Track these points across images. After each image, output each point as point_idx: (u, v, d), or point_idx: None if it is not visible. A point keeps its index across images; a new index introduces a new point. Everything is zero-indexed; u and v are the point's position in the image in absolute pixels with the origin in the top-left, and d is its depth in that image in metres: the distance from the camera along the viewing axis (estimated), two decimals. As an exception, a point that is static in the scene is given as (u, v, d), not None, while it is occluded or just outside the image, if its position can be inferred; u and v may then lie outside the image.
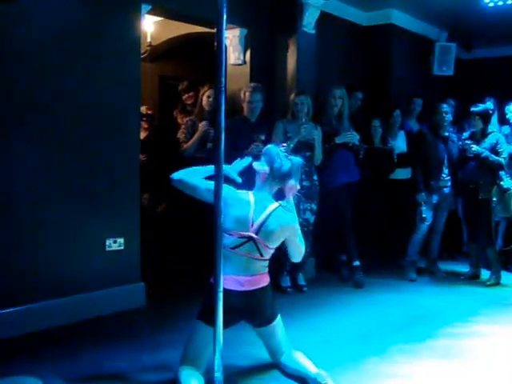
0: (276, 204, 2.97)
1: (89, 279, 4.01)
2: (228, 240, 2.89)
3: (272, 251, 2.98)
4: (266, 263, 3.00)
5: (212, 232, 2.73)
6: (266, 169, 2.99)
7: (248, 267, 2.91)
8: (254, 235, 2.89)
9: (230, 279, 2.85)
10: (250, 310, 2.92)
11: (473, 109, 5.28)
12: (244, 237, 2.89)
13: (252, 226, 2.90)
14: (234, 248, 2.89)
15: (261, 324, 3.02)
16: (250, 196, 2.97)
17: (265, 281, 2.98)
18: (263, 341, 3.09)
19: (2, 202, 3.56)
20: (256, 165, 3.02)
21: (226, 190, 2.87)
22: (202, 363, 2.86)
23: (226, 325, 2.82)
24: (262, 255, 2.92)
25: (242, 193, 2.99)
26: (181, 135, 5.14)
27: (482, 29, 6.88)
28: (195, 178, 2.95)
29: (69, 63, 3.86)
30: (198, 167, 3.02)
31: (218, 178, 2.76)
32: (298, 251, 3.09)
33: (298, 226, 3.03)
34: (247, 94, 4.85)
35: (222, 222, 2.73)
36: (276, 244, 2.98)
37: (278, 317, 3.06)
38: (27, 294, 3.65)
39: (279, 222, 2.92)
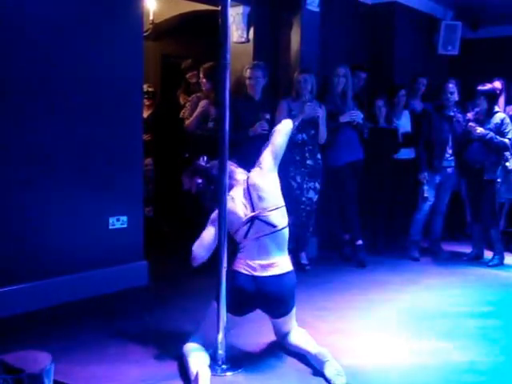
0: (246, 175, 3.01)
1: (92, 257, 4.02)
2: (238, 234, 2.92)
3: (283, 213, 2.93)
4: (285, 238, 2.94)
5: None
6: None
7: (263, 249, 2.88)
8: (253, 213, 2.89)
9: (244, 263, 2.87)
10: (263, 297, 2.86)
11: (479, 88, 5.23)
12: (246, 222, 2.89)
13: (246, 209, 2.91)
14: (245, 237, 2.90)
15: (277, 316, 2.98)
16: (230, 194, 2.94)
17: (283, 267, 2.90)
18: (273, 326, 3.08)
19: (5, 181, 3.56)
20: None
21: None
22: (211, 343, 2.87)
23: (241, 311, 2.86)
24: (274, 226, 2.89)
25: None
26: (185, 112, 5.15)
27: (489, 7, 6.78)
28: (205, 243, 2.90)
29: (71, 41, 3.82)
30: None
31: (222, 155, 2.76)
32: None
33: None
34: (248, 71, 4.83)
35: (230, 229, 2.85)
36: (276, 188, 2.96)
37: (294, 308, 3.00)
38: (31, 272, 3.66)
39: (257, 175, 2.96)
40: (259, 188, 2.92)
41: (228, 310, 2.80)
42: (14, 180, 3.59)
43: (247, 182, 2.97)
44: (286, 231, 2.96)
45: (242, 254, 2.92)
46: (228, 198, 2.87)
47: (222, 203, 2.77)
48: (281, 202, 2.97)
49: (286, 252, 2.98)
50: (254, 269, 2.85)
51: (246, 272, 2.86)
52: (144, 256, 4.39)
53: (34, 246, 3.71)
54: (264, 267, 2.86)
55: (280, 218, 2.93)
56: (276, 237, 2.91)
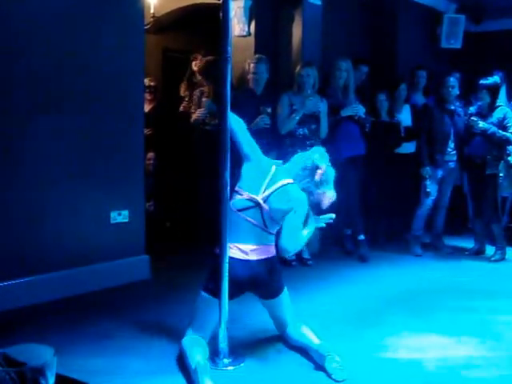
0: (291, 181, 2.93)
1: (94, 252, 4.02)
2: (237, 200, 2.91)
3: (276, 226, 2.94)
4: (272, 237, 2.97)
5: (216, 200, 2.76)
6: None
7: (253, 235, 2.89)
8: (261, 201, 2.88)
9: (233, 247, 2.86)
10: (255, 280, 2.89)
11: (482, 82, 5.21)
12: (252, 201, 2.88)
13: (263, 192, 2.89)
14: (240, 210, 2.89)
15: (267, 296, 3.01)
16: (272, 166, 2.97)
17: (270, 252, 2.96)
18: (269, 312, 3.10)
19: (8, 176, 3.55)
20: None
21: (259, 151, 3.00)
22: (207, 333, 2.88)
23: (231, 296, 2.84)
24: (266, 225, 2.90)
25: (268, 160, 3.04)
26: (187, 106, 5.22)
27: (492, 1, 6.75)
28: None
29: (71, 36, 3.80)
30: None
31: (223, 150, 2.75)
32: (290, 235, 2.84)
33: (303, 210, 2.88)
34: (251, 65, 4.82)
35: (238, 180, 2.90)
36: (280, 216, 2.94)
37: (285, 289, 3.03)
38: (33, 266, 3.66)
39: (288, 193, 2.88)
40: (280, 210, 2.88)
41: (217, 295, 2.80)
42: (15, 175, 3.59)
43: (281, 185, 2.91)
44: (272, 236, 2.95)
45: (233, 235, 2.85)
46: (272, 164, 2.98)
47: (224, 200, 2.76)
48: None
49: (272, 242, 2.98)
50: (246, 253, 2.87)
51: (240, 257, 2.86)
52: (145, 250, 4.39)
53: (36, 240, 3.71)
54: (254, 251, 2.88)
55: (275, 227, 2.93)
56: (261, 233, 2.90)
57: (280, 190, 2.89)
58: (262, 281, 2.92)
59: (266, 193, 2.88)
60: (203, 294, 2.89)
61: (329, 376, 2.70)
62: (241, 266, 2.85)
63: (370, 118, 5.23)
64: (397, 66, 6.51)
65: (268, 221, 2.90)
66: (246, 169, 2.96)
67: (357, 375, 2.74)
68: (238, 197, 2.92)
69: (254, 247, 2.88)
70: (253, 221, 2.89)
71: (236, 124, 2.94)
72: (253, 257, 2.88)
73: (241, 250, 2.87)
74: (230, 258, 2.83)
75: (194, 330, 2.89)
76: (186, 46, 6.83)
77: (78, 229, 3.93)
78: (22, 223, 3.64)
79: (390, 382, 2.74)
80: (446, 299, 4.05)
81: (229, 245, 2.84)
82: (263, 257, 2.91)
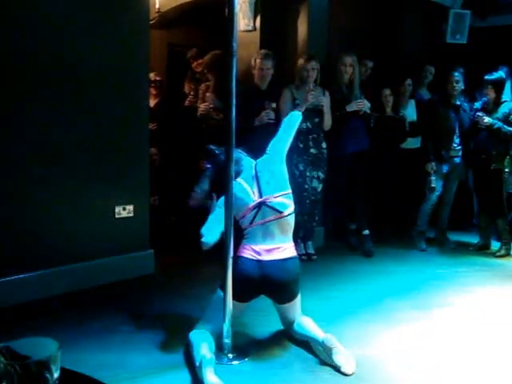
0: (254, 162, 3.05)
1: (98, 246, 4.03)
2: (244, 220, 2.90)
3: (289, 199, 2.92)
4: (290, 224, 2.92)
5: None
6: None
7: (271, 236, 2.87)
8: (260, 199, 2.89)
9: (249, 248, 2.86)
10: (266, 281, 2.83)
11: (487, 77, 5.19)
12: (255, 207, 2.88)
13: (254, 194, 2.90)
14: (251, 223, 2.89)
15: (282, 301, 2.97)
16: (238, 180, 2.94)
17: (287, 252, 2.89)
18: (279, 313, 3.08)
19: (12, 170, 3.56)
20: None
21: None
22: (215, 329, 2.87)
23: (245, 297, 2.85)
24: (280, 212, 2.88)
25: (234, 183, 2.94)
26: (193, 101, 5.23)
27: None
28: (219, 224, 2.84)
29: (77, 30, 3.80)
30: (213, 215, 2.90)
31: (228, 144, 2.75)
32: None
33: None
34: (258, 60, 4.78)
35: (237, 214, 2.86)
36: (283, 175, 2.97)
37: (299, 294, 2.99)
38: (37, 261, 3.67)
39: (265, 162, 3.01)
40: (267, 174, 2.94)
41: (233, 297, 2.80)
42: (21, 171, 3.59)
43: (255, 169, 2.98)
44: (292, 218, 2.94)
45: (246, 239, 2.90)
46: (235, 183, 2.86)
47: (228, 191, 2.76)
48: (287, 187, 2.97)
49: (291, 238, 2.96)
50: (259, 253, 2.84)
51: (251, 257, 2.84)
52: (150, 245, 4.40)
53: (41, 235, 3.71)
54: (268, 251, 2.85)
55: (286, 203, 2.92)
56: (282, 223, 2.90)
57: (257, 171, 2.96)
58: (275, 284, 2.85)
59: (256, 191, 2.91)
60: (220, 292, 2.88)
61: (337, 370, 2.69)
62: (251, 265, 2.83)
63: (374, 114, 5.22)
64: (402, 61, 6.48)
65: (279, 205, 2.88)
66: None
67: (361, 370, 2.74)
68: (242, 219, 2.90)
69: (269, 247, 2.85)
70: (267, 219, 2.87)
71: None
72: (266, 257, 2.84)
73: (254, 250, 2.86)
74: (243, 257, 2.84)
75: (203, 325, 2.90)
76: (190, 41, 6.80)
77: (83, 223, 3.94)
78: (27, 218, 3.65)
79: (394, 376, 2.74)
80: (450, 295, 4.05)
81: (245, 246, 2.87)
82: (278, 257, 2.85)
